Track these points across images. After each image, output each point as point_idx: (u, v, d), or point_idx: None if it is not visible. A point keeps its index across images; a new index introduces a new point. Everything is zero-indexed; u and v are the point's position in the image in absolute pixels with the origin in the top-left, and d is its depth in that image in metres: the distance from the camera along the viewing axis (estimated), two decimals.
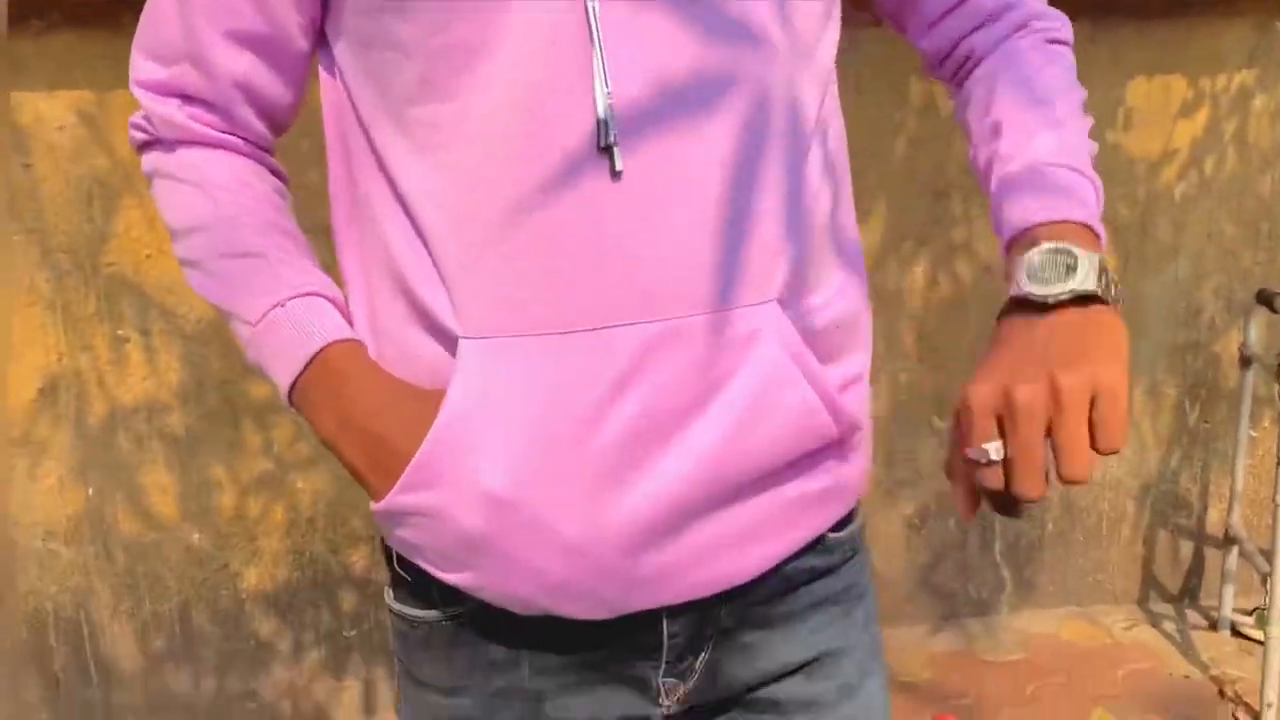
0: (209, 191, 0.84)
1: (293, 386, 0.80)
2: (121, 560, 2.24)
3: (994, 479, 0.68)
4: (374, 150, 0.78)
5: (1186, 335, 2.69)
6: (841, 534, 0.89)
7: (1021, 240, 0.76)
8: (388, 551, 0.88)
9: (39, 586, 2.22)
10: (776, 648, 0.88)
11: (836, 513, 0.86)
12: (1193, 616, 2.80)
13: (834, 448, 0.82)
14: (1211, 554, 2.82)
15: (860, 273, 0.88)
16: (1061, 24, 0.89)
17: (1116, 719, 2.38)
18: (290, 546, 2.32)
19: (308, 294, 0.81)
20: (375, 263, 0.81)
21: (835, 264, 0.84)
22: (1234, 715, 2.39)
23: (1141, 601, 2.86)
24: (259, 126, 0.86)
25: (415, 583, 0.85)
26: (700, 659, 0.87)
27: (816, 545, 0.87)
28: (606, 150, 0.71)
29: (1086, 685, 2.52)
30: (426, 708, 0.89)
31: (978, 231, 2.54)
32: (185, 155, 0.85)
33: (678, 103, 0.73)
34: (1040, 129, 0.81)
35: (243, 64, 0.81)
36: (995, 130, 0.84)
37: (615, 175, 0.71)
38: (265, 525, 2.30)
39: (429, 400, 0.76)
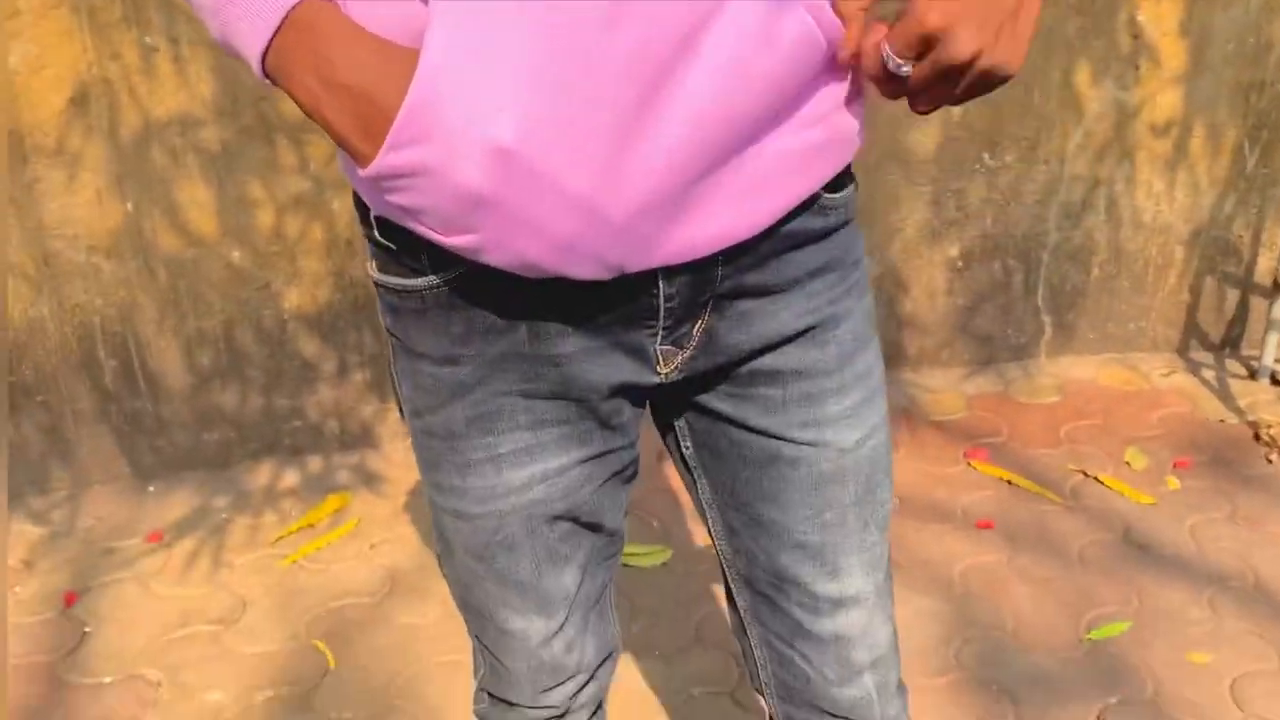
0: None
1: (265, 54, 0.74)
2: (164, 276, 2.25)
3: (892, 88, 0.75)
4: None
5: (1253, 73, 2.57)
6: (837, 195, 0.87)
7: None
8: (368, 224, 0.85)
9: (85, 300, 2.23)
10: (773, 314, 0.87)
11: (836, 164, 0.83)
12: (1233, 365, 2.79)
13: (833, 88, 0.79)
14: (1257, 303, 2.78)
15: None
16: None
17: (1150, 459, 2.40)
18: (330, 269, 2.32)
19: None
20: None
21: None
22: (1268, 458, 2.40)
23: (1182, 350, 2.85)
24: None
25: (403, 251, 0.83)
26: (697, 326, 0.86)
27: (813, 205, 0.84)
28: None
29: (1120, 427, 2.54)
30: (423, 379, 0.88)
31: None
32: None
33: None
34: None
35: None
36: None
37: None
38: (304, 245, 2.29)
39: (414, 55, 0.71)
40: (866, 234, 2.60)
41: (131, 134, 2.12)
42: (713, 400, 0.93)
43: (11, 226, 2.13)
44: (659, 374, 0.88)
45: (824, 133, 0.80)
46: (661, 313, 0.84)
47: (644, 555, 2.14)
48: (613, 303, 0.82)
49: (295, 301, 2.34)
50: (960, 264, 2.68)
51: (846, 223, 0.90)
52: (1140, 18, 2.49)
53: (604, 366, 0.86)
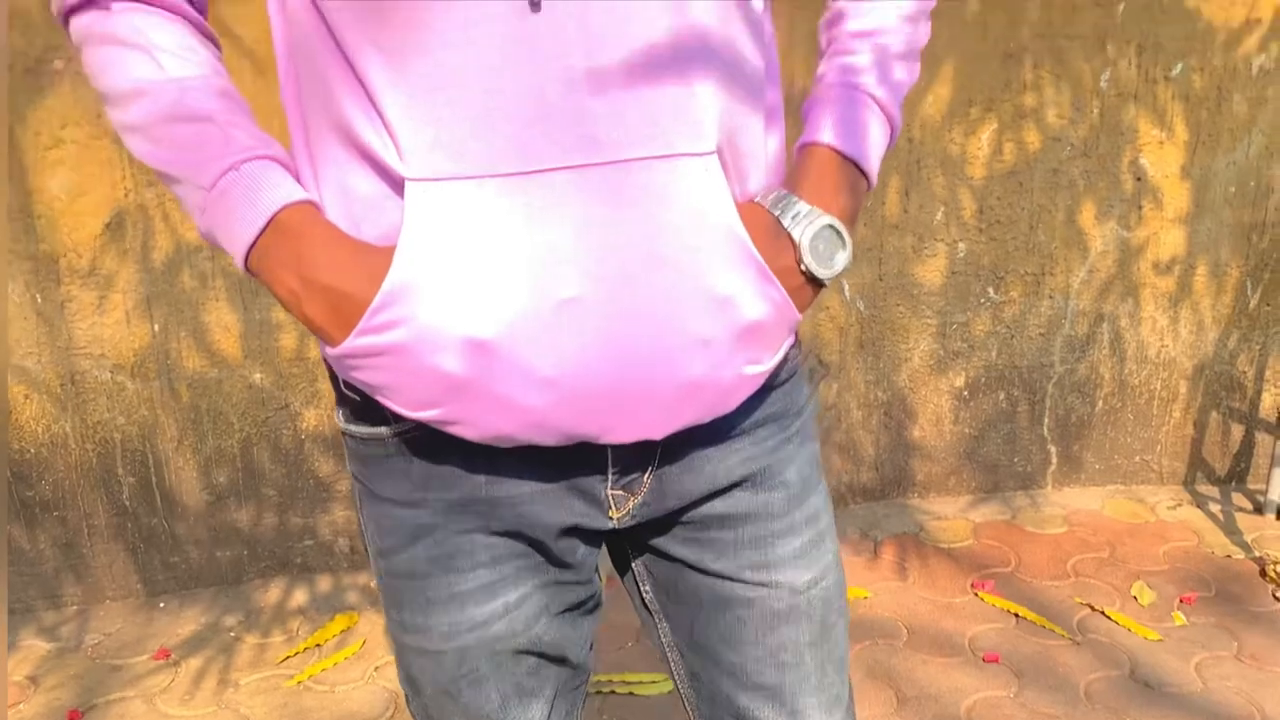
0: (153, 55, 0.82)
1: (250, 250, 0.80)
2: (186, 396, 2.29)
3: None
4: (315, 6, 0.79)
5: (1253, 215, 2.64)
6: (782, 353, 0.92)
7: (809, 147, 0.89)
8: (334, 372, 0.89)
9: (107, 418, 2.28)
10: (720, 460, 0.91)
11: (786, 346, 0.89)
12: (1239, 499, 2.80)
13: (785, 316, 0.85)
14: (1262, 438, 2.80)
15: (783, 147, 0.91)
16: None
17: (1156, 593, 2.40)
18: None
19: (260, 157, 0.81)
20: (317, 111, 0.81)
21: (768, 129, 0.87)
22: (1274, 595, 2.40)
23: (1188, 483, 2.87)
24: None
25: (365, 401, 0.87)
26: (647, 474, 0.90)
27: None
28: None
29: (1127, 560, 2.54)
30: (388, 521, 0.91)
31: (1048, 98, 2.49)
32: (126, 18, 0.83)
33: None
34: (868, 45, 0.91)
35: None
36: (839, 16, 0.92)
37: (535, 7, 0.73)
38: (324, 367, 2.34)
39: (389, 255, 0.77)
40: (874, 362, 2.65)
41: (163, 257, 2.19)
42: (668, 544, 0.97)
43: (41, 344, 2.18)
44: (610, 518, 0.92)
45: (774, 357, 0.86)
46: (610, 460, 0.88)
47: (648, 684, 2.14)
48: (566, 453, 0.86)
49: (313, 422, 2.38)
50: (966, 393, 2.72)
51: (791, 376, 0.95)
52: (1143, 161, 2.57)
53: (557, 509, 0.89)
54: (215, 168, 0.80)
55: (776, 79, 0.91)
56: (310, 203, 0.81)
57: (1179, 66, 2.50)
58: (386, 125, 0.76)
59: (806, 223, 0.82)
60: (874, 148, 0.90)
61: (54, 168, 2.09)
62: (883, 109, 0.90)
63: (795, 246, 0.82)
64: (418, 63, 0.75)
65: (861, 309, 2.59)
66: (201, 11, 0.89)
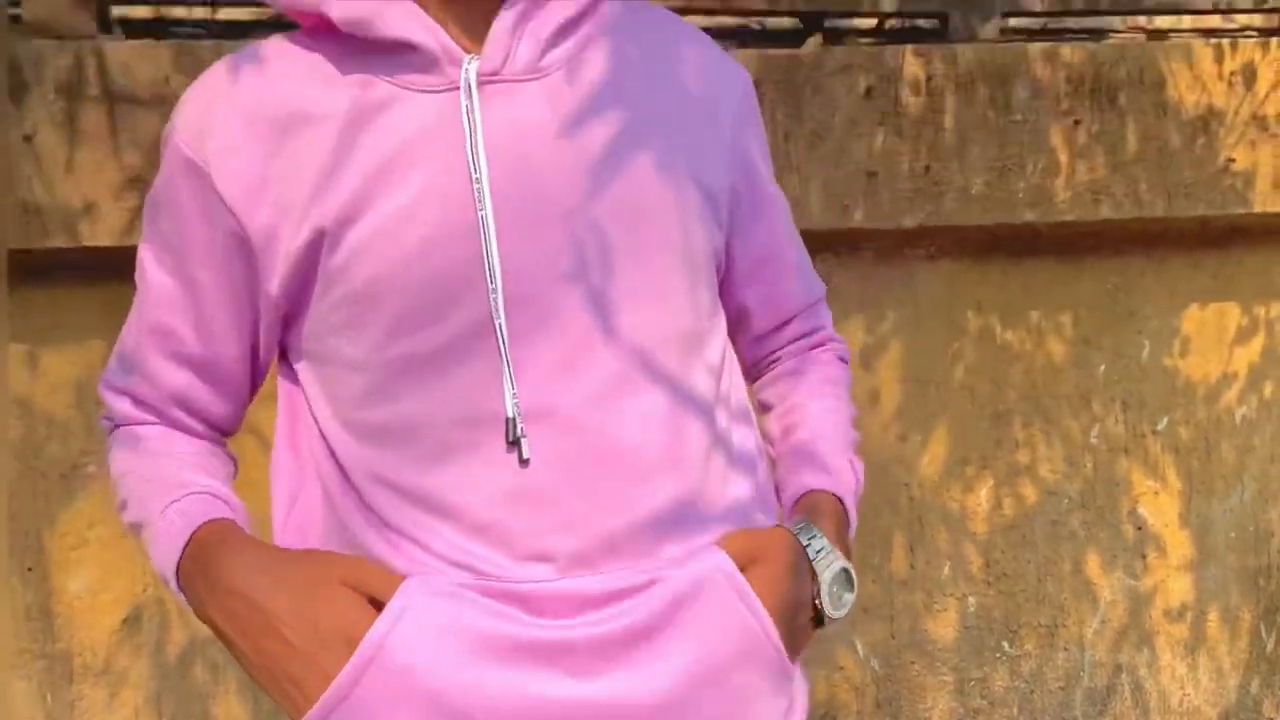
0: (143, 444, 0.96)
1: (178, 568, 0.88)
2: None
3: None
4: (324, 439, 0.90)
5: (1257, 559, 2.67)
6: None
7: (803, 499, 0.98)
8: None
9: None
10: None
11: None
12: None
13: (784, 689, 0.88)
14: None
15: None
16: (844, 347, 1.16)
17: None
18: None
19: (203, 492, 0.91)
20: (323, 533, 0.90)
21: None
22: None
23: None
24: (200, 429, 0.99)
25: None
26: None
27: None
28: (516, 443, 0.83)
29: None
30: None
31: (1040, 455, 2.57)
32: (134, 428, 0.98)
33: (582, 401, 0.84)
34: (824, 425, 1.03)
35: (181, 380, 0.95)
36: (792, 409, 1.06)
37: (524, 464, 0.83)
38: None
39: (301, 560, 0.84)
40: None
41: (177, 651, 2.20)
42: None
43: None
44: None
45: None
46: None
47: None
48: None
49: None
50: None
51: None
52: (1141, 510, 2.62)
53: None
54: (164, 502, 0.90)
55: (773, 511, 0.98)
56: (232, 521, 0.89)
57: (1164, 420, 2.61)
58: (388, 537, 0.84)
59: (828, 561, 0.87)
60: (845, 478, 1.01)
61: (77, 566, 2.14)
62: (857, 488, 1.01)
63: (816, 582, 0.86)
64: (425, 494, 0.84)
65: (876, 668, 2.57)
66: (216, 442, 1.01)
